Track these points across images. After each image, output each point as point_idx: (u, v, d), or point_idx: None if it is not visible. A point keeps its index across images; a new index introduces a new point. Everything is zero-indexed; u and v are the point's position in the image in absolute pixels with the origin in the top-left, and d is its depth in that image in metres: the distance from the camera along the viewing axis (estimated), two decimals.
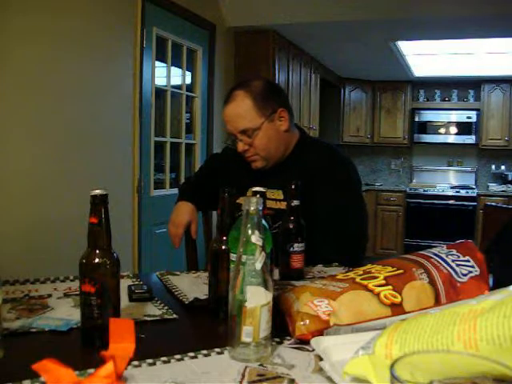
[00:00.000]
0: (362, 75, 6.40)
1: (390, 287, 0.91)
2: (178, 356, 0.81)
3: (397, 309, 0.88)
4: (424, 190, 6.37)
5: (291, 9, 3.88)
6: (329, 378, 0.73)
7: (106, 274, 0.86)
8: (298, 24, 4.07)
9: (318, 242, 1.52)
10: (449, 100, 6.55)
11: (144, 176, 3.27)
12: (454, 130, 6.44)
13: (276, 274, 1.32)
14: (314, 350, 0.81)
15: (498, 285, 0.71)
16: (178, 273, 1.40)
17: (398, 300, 0.89)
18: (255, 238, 0.83)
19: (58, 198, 2.59)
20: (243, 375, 0.76)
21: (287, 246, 1.35)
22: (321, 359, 0.77)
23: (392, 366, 0.46)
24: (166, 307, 1.08)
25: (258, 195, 1.08)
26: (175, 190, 2.78)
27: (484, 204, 3.27)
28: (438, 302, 0.91)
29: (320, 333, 0.86)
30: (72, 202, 2.57)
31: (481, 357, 0.49)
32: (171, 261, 3.04)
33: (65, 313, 1.02)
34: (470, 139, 6.35)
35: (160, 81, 3.52)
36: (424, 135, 6.57)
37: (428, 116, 6.56)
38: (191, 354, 0.83)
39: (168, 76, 3.59)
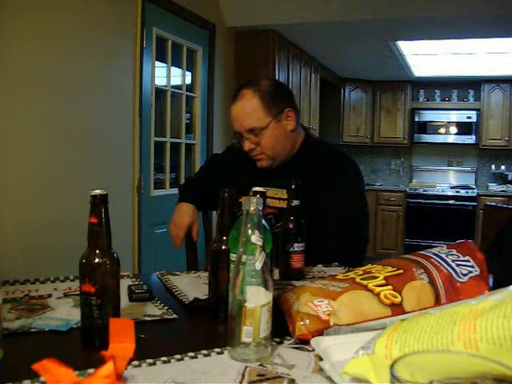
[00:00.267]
0: (362, 75, 6.40)
1: (390, 287, 0.91)
2: (178, 356, 0.81)
3: (397, 309, 0.88)
4: (424, 190, 6.37)
5: (291, 9, 3.88)
6: (329, 378, 0.73)
7: (106, 273, 0.86)
8: (297, 24, 4.06)
9: (319, 241, 1.53)
10: (449, 100, 6.56)
11: (144, 176, 3.27)
12: (453, 129, 6.44)
13: (276, 274, 1.32)
14: (313, 350, 0.81)
15: (498, 285, 0.71)
16: (178, 273, 1.40)
17: (398, 300, 0.89)
18: (255, 238, 0.83)
19: (58, 197, 2.59)
20: (243, 375, 0.76)
21: (287, 246, 1.35)
22: (321, 359, 0.77)
23: (392, 366, 0.46)
24: (165, 307, 1.08)
25: (258, 195, 1.08)
26: (175, 190, 2.78)
27: (484, 204, 3.28)
28: (437, 301, 0.91)
29: (320, 333, 0.86)
30: (72, 202, 2.57)
31: (481, 357, 0.49)
32: (171, 261, 3.05)
33: (65, 313, 1.02)
34: (470, 139, 6.35)
35: (160, 81, 3.52)
36: (424, 135, 6.57)
37: (428, 116, 6.56)
38: (191, 354, 0.83)
39: (168, 76, 3.59)
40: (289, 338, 0.90)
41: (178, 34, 3.58)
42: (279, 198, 1.65)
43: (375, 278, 0.93)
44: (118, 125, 3.05)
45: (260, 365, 0.80)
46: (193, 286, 1.26)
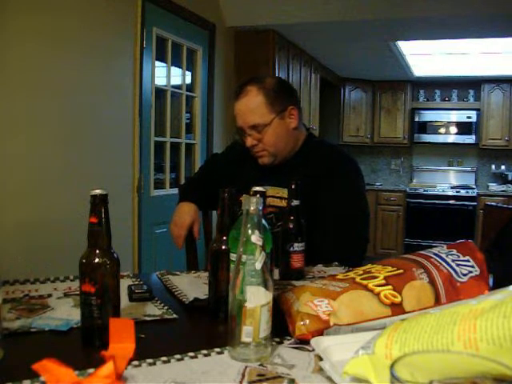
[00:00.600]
0: (362, 75, 6.40)
1: (389, 287, 0.91)
2: (178, 356, 0.81)
3: (397, 309, 0.88)
4: (424, 190, 6.37)
5: (291, 9, 3.88)
6: (329, 378, 0.73)
7: (106, 273, 0.86)
8: (298, 24, 4.06)
9: (319, 241, 1.53)
10: (449, 100, 6.56)
11: (144, 176, 3.27)
12: (454, 129, 6.44)
13: (276, 274, 1.32)
14: (313, 350, 0.81)
15: (498, 285, 0.71)
16: (178, 273, 1.40)
17: (398, 300, 0.89)
18: (255, 238, 0.83)
19: (58, 197, 2.60)
20: (243, 375, 0.76)
21: (287, 245, 1.35)
22: (321, 359, 0.77)
23: (392, 366, 0.46)
24: (165, 307, 1.08)
25: (258, 195, 1.08)
26: (175, 190, 2.78)
27: (484, 204, 3.27)
28: (437, 301, 0.91)
29: (320, 333, 0.86)
30: (72, 202, 2.57)
31: (481, 357, 0.49)
32: (171, 261, 3.05)
33: (65, 313, 1.02)
34: (470, 139, 6.35)
35: (160, 81, 3.52)
36: (424, 135, 6.57)
37: (428, 116, 6.56)
38: (191, 354, 0.83)
39: (168, 76, 3.59)
40: (289, 337, 0.90)
41: (178, 33, 3.58)
42: (280, 197, 1.65)
43: (375, 277, 0.93)
44: (118, 125, 3.05)
45: (260, 365, 0.80)
46: (193, 286, 1.25)
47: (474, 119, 6.30)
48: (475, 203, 6.05)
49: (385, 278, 0.93)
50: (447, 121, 6.46)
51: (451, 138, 6.48)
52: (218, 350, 0.85)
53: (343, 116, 6.63)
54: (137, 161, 3.18)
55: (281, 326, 0.91)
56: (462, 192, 6.23)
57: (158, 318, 1.02)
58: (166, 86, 3.57)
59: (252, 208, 0.84)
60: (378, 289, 0.90)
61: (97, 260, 0.85)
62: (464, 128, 6.37)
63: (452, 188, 6.37)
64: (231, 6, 4.07)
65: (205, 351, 0.84)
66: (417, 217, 6.32)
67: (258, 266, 0.82)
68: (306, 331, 0.87)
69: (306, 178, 1.50)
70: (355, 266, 1.07)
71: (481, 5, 3.53)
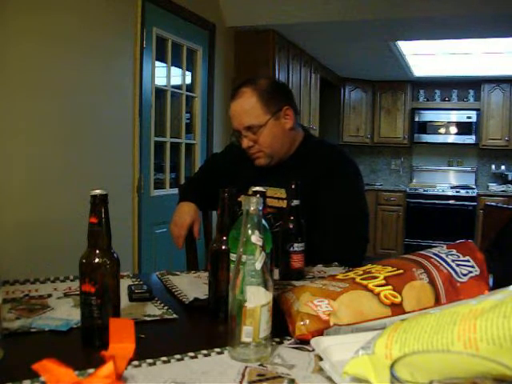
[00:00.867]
0: (362, 75, 6.40)
1: (390, 287, 0.91)
2: (178, 356, 0.81)
3: (397, 309, 0.88)
4: (424, 190, 6.37)
5: (291, 9, 3.88)
6: (329, 378, 0.73)
7: (106, 273, 0.86)
8: (297, 24, 4.06)
9: (319, 241, 1.53)
10: (449, 100, 6.56)
11: (144, 176, 3.27)
12: (454, 129, 6.44)
13: (276, 274, 1.32)
14: (313, 350, 0.81)
15: (498, 285, 0.71)
16: (178, 273, 1.40)
17: (398, 300, 0.89)
18: (255, 238, 0.83)
19: (58, 197, 2.60)
20: (243, 375, 0.76)
21: (287, 245, 1.35)
22: (321, 359, 0.77)
23: (392, 366, 0.46)
24: (166, 307, 1.08)
25: (257, 195, 1.08)
26: (175, 190, 2.78)
27: (484, 204, 3.27)
28: (437, 302, 0.91)
29: (320, 333, 0.86)
30: (72, 202, 2.58)
31: (481, 357, 0.49)
32: (171, 261, 3.05)
33: (65, 313, 1.02)
34: (470, 139, 6.35)
35: (160, 81, 3.52)
36: (424, 135, 6.57)
37: (428, 116, 6.56)
38: (191, 354, 0.83)
39: (168, 76, 3.59)
40: (289, 338, 0.90)
41: (178, 33, 3.58)
42: (278, 198, 1.65)
43: (375, 278, 0.93)
44: (118, 125, 3.05)
45: (260, 365, 0.80)
46: (193, 286, 1.25)
47: (473, 119, 6.30)
48: (475, 203, 6.05)
49: (385, 278, 0.93)
50: (447, 121, 6.46)
51: (451, 138, 6.48)
52: (218, 350, 0.85)
53: (343, 116, 6.63)
54: (137, 161, 3.18)
55: (281, 326, 0.91)
56: (462, 192, 6.23)
57: (158, 317, 1.02)
58: (165, 86, 3.57)
59: (252, 208, 0.84)
60: (378, 289, 0.90)
61: (97, 260, 0.85)
62: (464, 128, 6.37)
63: (452, 188, 6.37)
64: (231, 6, 4.07)
65: (205, 351, 0.84)
66: (417, 217, 6.32)
67: (258, 266, 0.82)
68: (306, 331, 0.87)
69: (305, 178, 1.50)
70: (355, 266, 1.07)
71: (481, 5, 3.53)
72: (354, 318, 0.87)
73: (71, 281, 1.28)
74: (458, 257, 0.97)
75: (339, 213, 1.63)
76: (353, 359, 0.66)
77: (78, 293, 0.92)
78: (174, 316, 1.04)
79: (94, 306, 0.85)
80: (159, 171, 3.68)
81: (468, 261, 0.96)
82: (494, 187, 6.24)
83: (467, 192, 6.20)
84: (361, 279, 0.94)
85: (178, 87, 3.75)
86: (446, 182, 6.63)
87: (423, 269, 0.94)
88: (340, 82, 6.51)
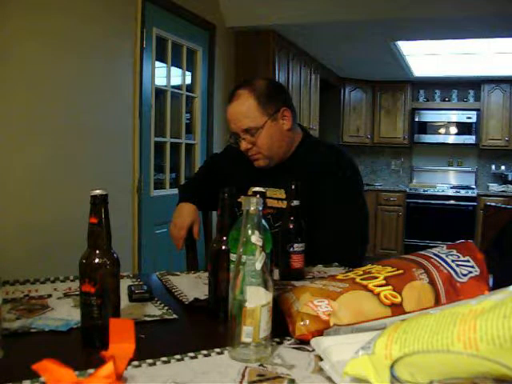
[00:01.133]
0: (362, 75, 6.40)
1: (390, 287, 0.91)
2: (178, 356, 0.81)
3: (397, 309, 0.88)
4: (424, 190, 6.37)
5: (291, 9, 3.88)
6: (329, 378, 0.73)
7: (106, 273, 0.86)
8: (297, 24, 4.07)
9: (319, 241, 1.53)
10: (449, 100, 6.55)
11: (144, 176, 3.27)
12: (453, 130, 6.44)
13: (276, 274, 1.32)
14: (314, 351, 0.81)
15: (498, 285, 0.71)
16: (178, 273, 1.40)
17: (398, 300, 0.89)
18: (255, 238, 0.83)
19: (58, 198, 2.59)
20: (243, 375, 0.76)
21: (287, 246, 1.35)
22: (321, 359, 0.77)
23: (392, 367, 0.46)
24: (166, 307, 1.08)
25: (257, 195, 1.08)
26: (175, 190, 2.78)
27: (484, 204, 3.27)
28: (437, 302, 0.91)
29: (320, 333, 0.86)
30: (72, 202, 2.58)
31: (481, 357, 0.49)
32: (171, 261, 3.05)
33: (65, 313, 1.02)
34: (470, 139, 6.35)
35: (160, 81, 3.52)
36: (424, 135, 6.57)
37: (428, 116, 6.56)
38: (191, 354, 0.83)
39: (168, 76, 3.59)
40: (289, 338, 0.90)
41: (177, 34, 3.58)
42: (277, 198, 1.65)
43: (375, 278, 0.93)
44: (118, 125, 3.05)
45: (260, 365, 0.80)
46: (193, 286, 1.26)
47: (473, 119, 6.30)
48: (475, 203, 6.05)
49: (385, 279, 0.93)
50: (447, 121, 6.46)
51: (451, 139, 6.48)
52: (217, 350, 0.85)
53: (343, 116, 6.63)
54: (137, 161, 3.18)
55: (281, 326, 0.91)
56: (462, 192, 6.23)
57: (158, 318, 1.02)
58: (165, 86, 3.57)
59: (252, 208, 0.84)
60: (378, 289, 0.90)
61: (97, 260, 0.85)
62: (464, 128, 6.37)
63: (452, 188, 6.37)
64: (231, 6, 4.07)
65: (205, 351, 0.84)
66: (417, 217, 6.32)
67: (258, 266, 0.82)
68: (306, 331, 0.87)
69: (304, 178, 1.50)
70: (355, 267, 1.07)
71: (481, 5, 3.53)
72: (354, 318, 0.87)
73: (71, 281, 1.28)
74: (458, 257, 0.97)
75: (339, 213, 1.63)
76: (353, 359, 0.66)
77: (78, 293, 0.92)
78: (174, 316, 1.04)
79: (94, 306, 0.85)
80: (159, 171, 3.68)
81: (468, 261, 0.96)
82: (494, 187, 6.24)
83: (467, 192, 6.20)
84: (361, 279, 0.94)
85: (178, 87, 3.75)
86: (446, 182, 6.63)
87: (423, 269, 0.94)
88: (340, 82, 6.51)
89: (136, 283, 1.23)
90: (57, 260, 2.34)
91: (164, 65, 3.55)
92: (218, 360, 0.82)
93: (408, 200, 6.38)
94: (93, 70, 2.81)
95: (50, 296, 1.15)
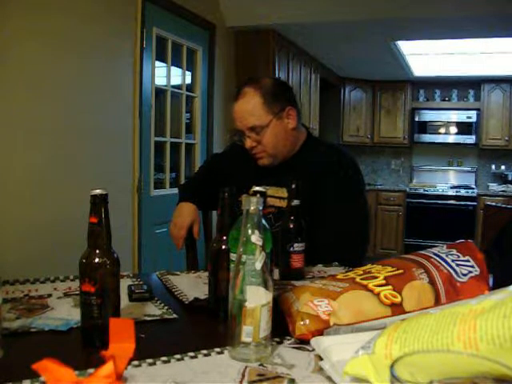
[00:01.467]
0: (362, 75, 6.40)
1: (390, 287, 0.91)
2: (177, 356, 0.81)
3: (397, 309, 0.88)
4: (424, 190, 6.37)
5: (291, 9, 3.88)
6: (329, 378, 0.73)
7: (106, 273, 0.86)
8: (297, 23, 4.07)
9: (319, 241, 1.53)
10: (449, 100, 6.55)
11: (144, 176, 3.27)
12: (453, 129, 6.44)
13: (276, 274, 1.32)
14: (314, 350, 0.81)
15: (498, 285, 0.71)
16: (178, 273, 1.40)
17: (398, 300, 0.89)
18: (255, 238, 0.83)
19: (58, 197, 2.59)
20: (243, 375, 0.76)
21: (287, 245, 1.35)
22: (321, 359, 0.77)
23: (392, 366, 0.46)
24: (166, 307, 1.08)
25: (258, 195, 1.08)
26: (175, 190, 2.78)
27: (484, 204, 3.28)
28: (437, 301, 0.91)
29: (320, 333, 0.86)
30: (72, 202, 2.57)
31: (481, 357, 0.49)
32: (171, 261, 3.05)
33: (65, 313, 1.02)
34: (470, 139, 6.35)
35: (160, 81, 3.52)
36: (424, 135, 6.57)
37: (428, 116, 6.56)
38: (191, 354, 0.83)
39: (168, 76, 3.59)
40: (289, 337, 0.90)
41: (177, 33, 3.58)
42: (279, 197, 1.65)
43: (375, 277, 0.93)
44: (118, 125, 3.05)
45: (260, 365, 0.80)
46: (193, 285, 1.26)
47: (473, 119, 6.30)
48: (475, 203, 6.05)
49: (385, 278, 0.93)
50: (447, 121, 6.46)
51: (451, 138, 6.48)
52: (217, 350, 0.85)
53: (343, 116, 6.63)
54: (137, 161, 3.18)
55: (281, 325, 0.91)
56: (462, 192, 6.23)
57: (158, 318, 1.02)
58: (165, 86, 3.57)
59: (252, 208, 0.84)
60: (378, 289, 0.90)
61: (97, 260, 0.85)
62: (464, 128, 6.37)
63: (452, 188, 6.37)
64: (231, 5, 4.07)
65: (205, 351, 0.84)
66: (417, 217, 6.32)
67: (258, 265, 0.82)
68: (306, 331, 0.87)
69: (306, 177, 1.50)
70: (355, 266, 1.07)
71: (481, 5, 3.53)
72: (354, 317, 0.87)
73: (71, 281, 1.28)
74: (458, 257, 0.97)
75: (340, 212, 1.63)
76: (353, 359, 0.66)
77: (77, 293, 0.92)
78: (174, 316, 1.04)
79: (94, 305, 0.85)
80: (159, 171, 3.68)
81: (468, 261, 0.96)
82: (494, 187, 6.24)
83: (467, 192, 6.20)
84: (361, 279, 0.94)
85: (178, 87, 3.75)
86: (446, 181, 6.63)
87: (423, 269, 0.94)
88: (340, 82, 6.50)
89: (136, 283, 1.23)
90: (57, 260, 2.34)
91: (164, 64, 3.55)
92: (217, 360, 0.82)
93: (408, 200, 6.38)
94: (93, 70, 2.81)
95: (49, 296, 1.15)
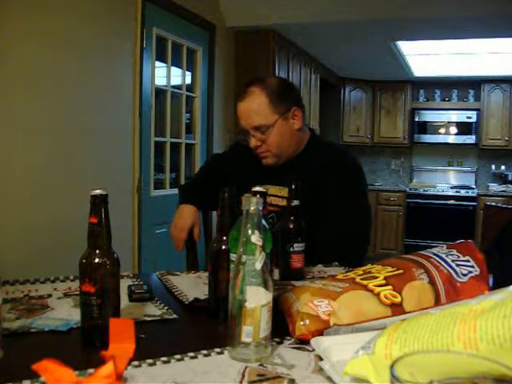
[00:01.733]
0: (362, 75, 6.40)
1: (390, 287, 0.91)
2: (178, 356, 0.81)
3: (397, 309, 0.88)
4: (424, 190, 6.37)
5: (291, 9, 3.88)
6: (329, 378, 0.73)
7: (106, 273, 0.86)
8: (297, 24, 4.07)
9: (320, 241, 1.53)
10: (449, 100, 6.55)
11: (144, 176, 3.27)
12: (453, 130, 6.44)
13: (276, 274, 1.32)
14: (314, 350, 0.81)
15: (498, 285, 0.71)
16: (178, 273, 1.40)
17: (398, 300, 0.89)
18: (255, 238, 0.83)
19: (58, 197, 2.59)
20: (243, 375, 0.76)
21: (287, 246, 1.35)
22: (321, 359, 0.77)
23: (392, 366, 0.46)
24: (166, 307, 1.08)
25: (257, 195, 1.08)
26: (175, 190, 2.78)
27: (484, 204, 3.27)
28: (437, 302, 0.91)
29: (320, 333, 0.86)
30: (72, 202, 2.57)
31: (481, 357, 0.49)
32: (171, 261, 3.05)
33: (65, 313, 1.02)
34: (470, 139, 6.35)
35: (160, 81, 3.52)
36: (424, 135, 6.57)
37: (428, 116, 6.56)
38: (191, 354, 0.83)
39: (168, 76, 3.59)
40: (289, 338, 0.90)
41: (177, 34, 3.58)
42: (282, 197, 1.65)
43: (375, 278, 0.93)
44: (118, 125, 3.05)
45: (260, 365, 0.80)
46: (193, 286, 1.26)
47: (473, 119, 6.30)
48: (475, 203, 6.05)
49: (385, 279, 0.93)
50: (447, 121, 6.46)
51: (451, 138, 6.48)
52: (217, 350, 0.85)
53: (343, 116, 6.63)
54: (137, 161, 3.18)
55: (281, 325, 0.91)
56: (462, 192, 6.23)
57: (158, 318, 1.02)
58: (165, 86, 3.57)
59: (252, 208, 0.84)
60: (378, 289, 0.90)
61: (97, 260, 0.85)
62: (464, 128, 6.37)
63: (452, 188, 6.37)
64: (231, 6, 4.07)
65: (205, 351, 0.84)
66: (417, 217, 6.32)
67: (258, 266, 0.82)
68: (306, 331, 0.87)
69: (309, 177, 1.50)
70: (355, 266, 1.07)
71: (481, 5, 3.53)
72: (354, 318, 0.87)
73: (71, 281, 1.27)
74: (458, 257, 0.97)
75: (341, 212, 1.63)
76: (353, 359, 0.66)
77: (77, 293, 0.92)
78: (174, 316, 1.04)
79: (94, 306, 0.85)
80: (159, 171, 3.68)
81: (468, 261, 0.96)
82: (494, 187, 6.24)
83: (467, 192, 6.20)
84: (361, 279, 0.94)
85: (178, 87, 3.75)
86: (446, 182, 6.63)
87: (423, 269, 0.94)
88: (340, 82, 6.51)
89: (136, 283, 1.23)
90: (57, 260, 2.34)
91: (164, 65, 3.55)
92: (217, 360, 0.82)
93: (408, 200, 6.38)
94: (93, 70, 2.81)
95: (49, 296, 1.15)
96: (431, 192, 6.33)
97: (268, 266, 0.84)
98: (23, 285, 1.23)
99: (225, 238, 1.05)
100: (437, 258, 0.97)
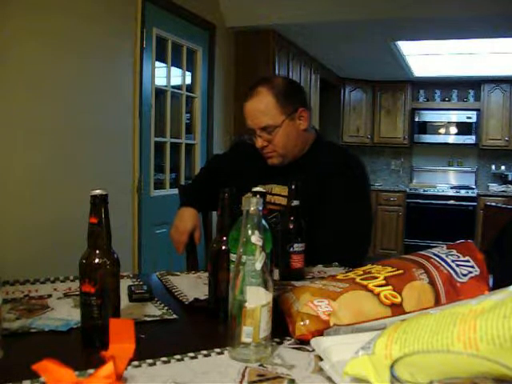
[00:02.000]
0: (362, 75, 6.40)
1: (390, 287, 0.91)
2: (178, 356, 0.81)
3: (397, 309, 0.88)
4: (424, 190, 6.37)
5: (291, 9, 3.88)
6: (329, 379, 0.73)
7: (106, 274, 0.86)
8: (297, 24, 4.07)
9: (320, 241, 1.53)
10: (449, 100, 6.55)
11: (144, 176, 3.27)
12: (453, 130, 6.44)
13: (276, 274, 1.32)
14: (314, 351, 0.81)
15: (498, 285, 0.71)
16: (178, 273, 1.40)
17: (398, 300, 0.89)
18: (255, 239, 0.83)
19: (58, 198, 2.59)
20: (243, 375, 0.76)
21: (287, 246, 1.35)
22: (321, 359, 0.77)
23: (392, 367, 0.46)
24: (166, 307, 1.08)
25: (258, 195, 1.08)
26: (175, 190, 2.78)
27: (484, 204, 3.27)
28: (437, 302, 0.91)
29: (320, 333, 0.86)
30: (72, 202, 2.57)
31: (481, 357, 0.49)
32: (171, 261, 3.04)
33: (65, 313, 1.02)
34: (470, 139, 6.35)
35: (160, 81, 3.52)
36: (424, 135, 6.57)
37: (428, 116, 6.56)
38: (191, 354, 0.83)
39: (168, 76, 3.59)
40: (289, 338, 0.90)
41: (177, 34, 3.58)
42: (285, 196, 1.65)
43: (375, 278, 0.93)
44: (118, 125, 3.05)
45: (260, 365, 0.80)
46: (193, 286, 1.26)
47: (473, 119, 6.30)
48: (475, 203, 6.05)
49: (385, 279, 0.93)
50: (447, 121, 6.46)
51: (451, 139, 6.48)
52: (218, 350, 0.85)
53: (343, 116, 6.63)
54: (137, 161, 3.18)
55: (281, 326, 0.91)
56: (462, 192, 6.23)
57: (158, 318, 1.02)
58: (166, 86, 3.57)
59: (252, 208, 0.84)
60: (378, 289, 0.90)
61: (97, 260, 0.85)
62: (464, 128, 6.37)
63: (452, 188, 6.37)
64: (231, 6, 4.07)
65: (205, 351, 0.84)
66: (417, 217, 6.32)
67: (258, 266, 0.82)
68: (306, 331, 0.87)
69: (313, 177, 1.50)
70: (355, 267, 1.07)
71: (481, 5, 3.53)
72: (354, 318, 0.87)
73: (71, 281, 1.27)
74: (458, 257, 0.97)
75: (342, 212, 1.64)
76: (353, 359, 0.66)
77: (77, 293, 0.92)
78: (174, 316, 1.04)
79: (94, 306, 0.85)
80: (159, 171, 3.68)
81: (468, 261, 0.96)
82: (494, 187, 6.24)
83: (467, 192, 6.20)
84: (361, 279, 0.94)
85: (178, 87, 3.75)
86: (446, 182, 6.63)
87: (423, 269, 0.94)
88: (340, 82, 6.50)
89: (136, 283, 1.23)
90: (57, 260, 2.34)
91: (164, 65, 3.55)
92: (217, 360, 0.82)
93: (408, 200, 6.38)
94: (93, 70, 2.81)
95: (49, 296, 1.15)
96: (431, 192, 6.33)
97: (268, 266, 0.84)
98: (23, 285, 1.23)
99: (225, 238, 1.05)
100: (437, 259, 0.97)
